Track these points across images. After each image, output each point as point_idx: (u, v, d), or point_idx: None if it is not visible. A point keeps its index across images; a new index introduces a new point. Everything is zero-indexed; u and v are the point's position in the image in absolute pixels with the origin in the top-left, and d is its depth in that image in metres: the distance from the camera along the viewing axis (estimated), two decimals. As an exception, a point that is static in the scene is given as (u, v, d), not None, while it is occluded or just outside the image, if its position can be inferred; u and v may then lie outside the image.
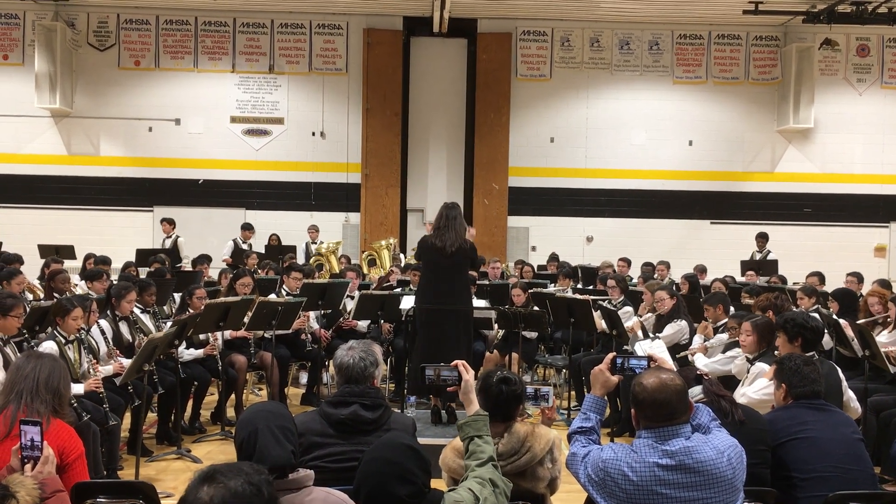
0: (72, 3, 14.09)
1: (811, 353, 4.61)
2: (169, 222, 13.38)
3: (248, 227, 13.55)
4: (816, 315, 6.53)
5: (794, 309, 6.86)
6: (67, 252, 11.73)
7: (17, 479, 2.67)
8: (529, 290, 8.95)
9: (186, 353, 6.96)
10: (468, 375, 3.32)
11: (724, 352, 6.22)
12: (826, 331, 6.53)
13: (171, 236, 13.32)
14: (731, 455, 3.00)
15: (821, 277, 9.80)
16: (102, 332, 6.26)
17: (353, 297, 8.80)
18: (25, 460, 2.98)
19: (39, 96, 13.96)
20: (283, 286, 8.60)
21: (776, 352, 5.00)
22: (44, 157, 14.56)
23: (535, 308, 8.29)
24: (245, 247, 13.19)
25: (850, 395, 4.82)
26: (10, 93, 14.44)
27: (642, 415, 3.05)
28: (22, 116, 14.41)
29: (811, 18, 13.62)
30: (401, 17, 14.71)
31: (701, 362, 6.20)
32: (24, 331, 5.81)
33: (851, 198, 15.05)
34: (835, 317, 7.14)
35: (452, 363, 3.39)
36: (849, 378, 5.07)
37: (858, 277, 9.80)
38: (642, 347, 5.81)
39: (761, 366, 4.99)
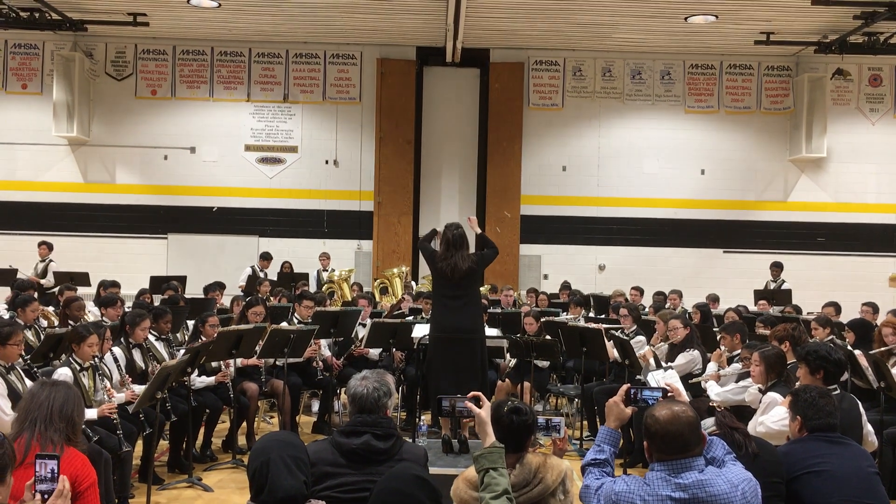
0: (90, 34, 14.31)
1: (833, 387, 4.56)
2: (47, 246, 13.20)
3: (266, 257, 13.63)
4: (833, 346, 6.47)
5: (811, 339, 6.81)
6: (82, 279, 11.82)
7: (31, 507, 2.69)
8: (542, 319, 8.94)
9: (198, 381, 6.97)
10: (482, 408, 3.32)
11: (737, 381, 6.17)
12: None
13: (44, 260, 13.09)
14: (745, 489, 2.97)
15: (837, 308, 9.74)
16: (115, 360, 6.29)
17: (364, 325, 8.81)
18: (43, 496, 2.94)
19: (57, 125, 14.14)
20: (295, 314, 8.62)
21: (797, 383, 4.95)
22: (60, 185, 14.72)
23: (548, 337, 8.28)
24: (262, 275, 13.25)
25: (868, 429, 4.77)
26: (29, 121, 14.65)
27: (655, 447, 3.03)
28: (40, 145, 14.60)
29: (823, 49, 13.67)
30: (414, 47, 14.86)
31: (713, 391, 6.16)
32: (29, 359, 5.83)
33: (865, 227, 14.98)
34: (849, 347, 7.09)
35: (469, 395, 3.39)
36: (864, 410, 5.02)
37: (874, 308, 9.74)
38: (655, 377, 5.77)
39: (774, 395, 4.95)
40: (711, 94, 15.15)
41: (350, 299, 11.49)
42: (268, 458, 2.76)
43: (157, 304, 9.29)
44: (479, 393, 3.42)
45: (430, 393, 6.89)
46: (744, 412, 5.59)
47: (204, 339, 7.20)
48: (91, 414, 5.17)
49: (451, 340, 6.57)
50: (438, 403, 3.45)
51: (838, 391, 4.64)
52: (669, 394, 3.39)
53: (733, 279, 14.28)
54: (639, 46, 14.66)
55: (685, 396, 3.62)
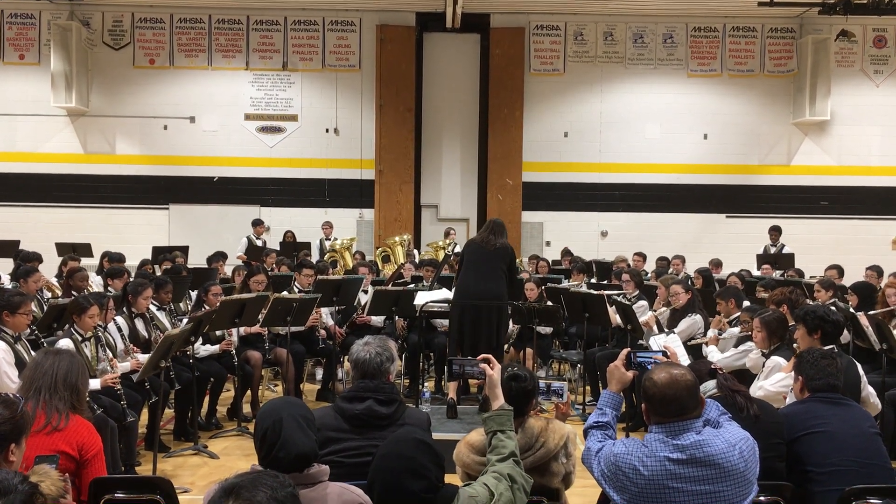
0: (87, 3, 14.18)
1: (830, 347, 4.57)
2: None
3: (258, 223, 13.59)
4: (834, 308, 6.47)
5: (809, 302, 6.81)
6: (84, 250, 11.82)
7: (42, 470, 2.71)
8: (544, 286, 8.94)
9: (202, 350, 7.00)
10: (493, 370, 3.34)
11: (736, 346, 6.18)
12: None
13: None
14: (742, 448, 2.99)
15: (840, 271, 9.73)
16: (119, 329, 6.32)
17: (366, 292, 8.83)
18: None
19: (55, 95, 14.07)
20: (296, 283, 8.64)
21: (795, 344, 4.96)
22: (60, 156, 14.68)
23: (549, 303, 8.29)
24: (259, 243, 13.24)
25: (869, 390, 4.77)
26: (27, 92, 14.57)
27: (653, 410, 3.04)
28: (38, 116, 14.53)
29: (827, 10, 13.50)
30: (413, 12, 14.71)
31: (714, 357, 6.16)
32: (35, 328, 5.86)
33: (868, 190, 14.93)
34: (852, 310, 7.09)
35: (479, 357, 3.41)
36: (866, 371, 5.02)
37: (878, 271, 9.73)
38: (657, 342, 5.79)
39: (777, 359, 4.96)
40: (714, 57, 15.01)
41: (352, 267, 11.49)
42: (280, 417, 2.75)
43: (158, 274, 9.29)
44: (490, 356, 3.43)
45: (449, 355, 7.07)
46: (745, 375, 5.61)
47: (207, 308, 7.22)
48: (94, 384, 5.19)
49: (474, 305, 6.78)
50: (449, 365, 3.47)
51: (836, 351, 4.64)
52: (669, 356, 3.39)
53: (736, 244, 14.25)
54: (641, 9, 14.49)
55: (682, 360, 3.63)
